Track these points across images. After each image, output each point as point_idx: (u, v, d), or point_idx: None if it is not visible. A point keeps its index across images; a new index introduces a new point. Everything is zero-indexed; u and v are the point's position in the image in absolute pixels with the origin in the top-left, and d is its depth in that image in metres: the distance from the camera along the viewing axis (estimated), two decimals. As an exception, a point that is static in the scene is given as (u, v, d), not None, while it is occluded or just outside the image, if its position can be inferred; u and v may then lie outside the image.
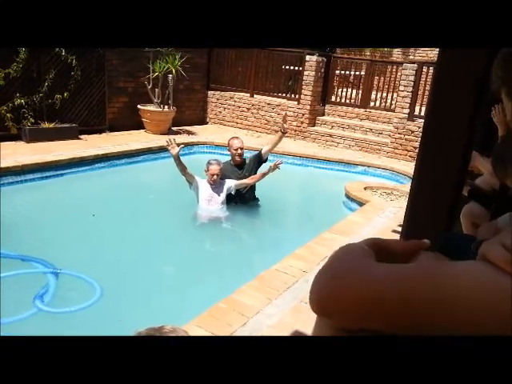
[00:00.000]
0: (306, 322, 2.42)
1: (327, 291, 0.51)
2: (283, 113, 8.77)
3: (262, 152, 4.81)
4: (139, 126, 7.94)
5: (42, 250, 3.52)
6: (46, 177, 5.38)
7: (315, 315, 0.60)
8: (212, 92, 9.60)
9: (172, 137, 4.43)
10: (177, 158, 4.27)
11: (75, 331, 2.59)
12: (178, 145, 4.30)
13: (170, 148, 4.24)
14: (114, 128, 7.66)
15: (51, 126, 6.62)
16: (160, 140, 7.12)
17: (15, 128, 6.31)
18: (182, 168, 4.36)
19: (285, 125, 4.69)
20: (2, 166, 5.03)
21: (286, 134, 5.09)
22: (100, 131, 7.49)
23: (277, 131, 7.74)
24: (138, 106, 7.85)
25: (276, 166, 4.51)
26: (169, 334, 0.94)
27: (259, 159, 4.82)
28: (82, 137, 6.94)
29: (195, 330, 2.28)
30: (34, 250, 3.47)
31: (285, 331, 2.39)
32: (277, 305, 2.68)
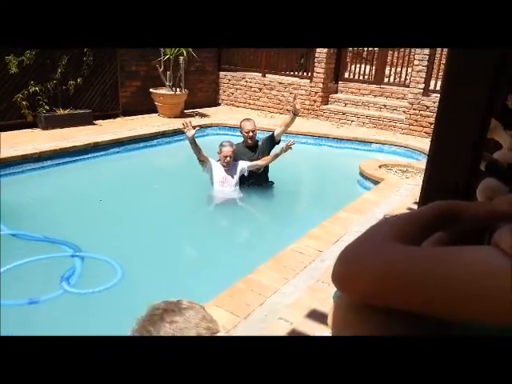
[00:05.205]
0: (323, 301, 2.45)
1: (347, 270, 0.53)
2: (295, 92, 8.70)
3: (275, 134, 4.78)
4: (153, 109, 7.95)
5: (62, 233, 3.61)
6: (63, 163, 5.48)
7: (331, 294, 0.62)
8: (224, 73, 9.53)
9: (188, 119, 4.45)
10: (192, 141, 4.29)
11: (99, 310, 2.69)
12: (194, 127, 4.33)
13: (186, 130, 4.27)
14: (127, 112, 7.70)
15: (66, 112, 6.69)
16: (173, 123, 7.14)
17: (31, 115, 6.39)
18: (198, 150, 4.39)
19: (297, 105, 4.61)
20: (21, 153, 5.14)
21: (299, 114, 5.00)
22: (114, 116, 7.54)
23: (289, 111, 7.67)
24: (151, 90, 7.84)
25: (288, 147, 4.49)
26: (186, 308, 0.97)
27: (272, 141, 4.79)
28: (96, 122, 7.00)
29: (214, 309, 2.33)
30: (53, 233, 3.57)
31: (302, 310, 2.43)
32: (294, 284, 2.72)
